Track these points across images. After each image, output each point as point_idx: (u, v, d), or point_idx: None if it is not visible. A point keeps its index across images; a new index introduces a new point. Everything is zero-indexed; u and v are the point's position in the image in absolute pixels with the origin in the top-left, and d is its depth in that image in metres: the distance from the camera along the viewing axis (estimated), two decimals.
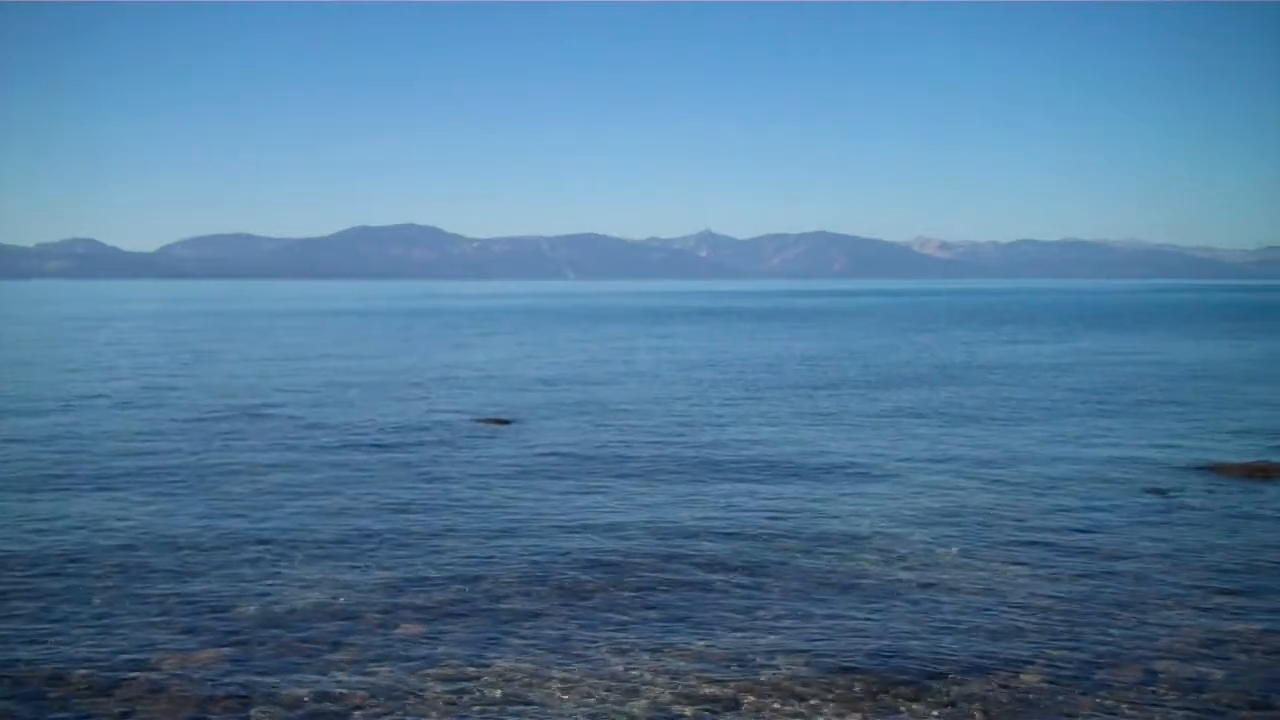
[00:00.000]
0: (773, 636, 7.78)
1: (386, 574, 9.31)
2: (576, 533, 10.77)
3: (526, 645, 7.56)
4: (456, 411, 19.64)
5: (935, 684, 6.91)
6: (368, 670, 7.10)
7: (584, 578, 9.23)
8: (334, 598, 8.61)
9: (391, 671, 7.08)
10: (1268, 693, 6.71)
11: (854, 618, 8.18)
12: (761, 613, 8.32)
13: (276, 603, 8.48)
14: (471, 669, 7.12)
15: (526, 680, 6.95)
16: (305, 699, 6.64)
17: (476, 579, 9.15)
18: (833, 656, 7.38)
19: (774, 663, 7.26)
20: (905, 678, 7.00)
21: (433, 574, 9.32)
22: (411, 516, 11.45)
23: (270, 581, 9.04)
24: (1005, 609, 8.38)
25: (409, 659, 7.30)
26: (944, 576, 9.27)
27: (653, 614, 8.31)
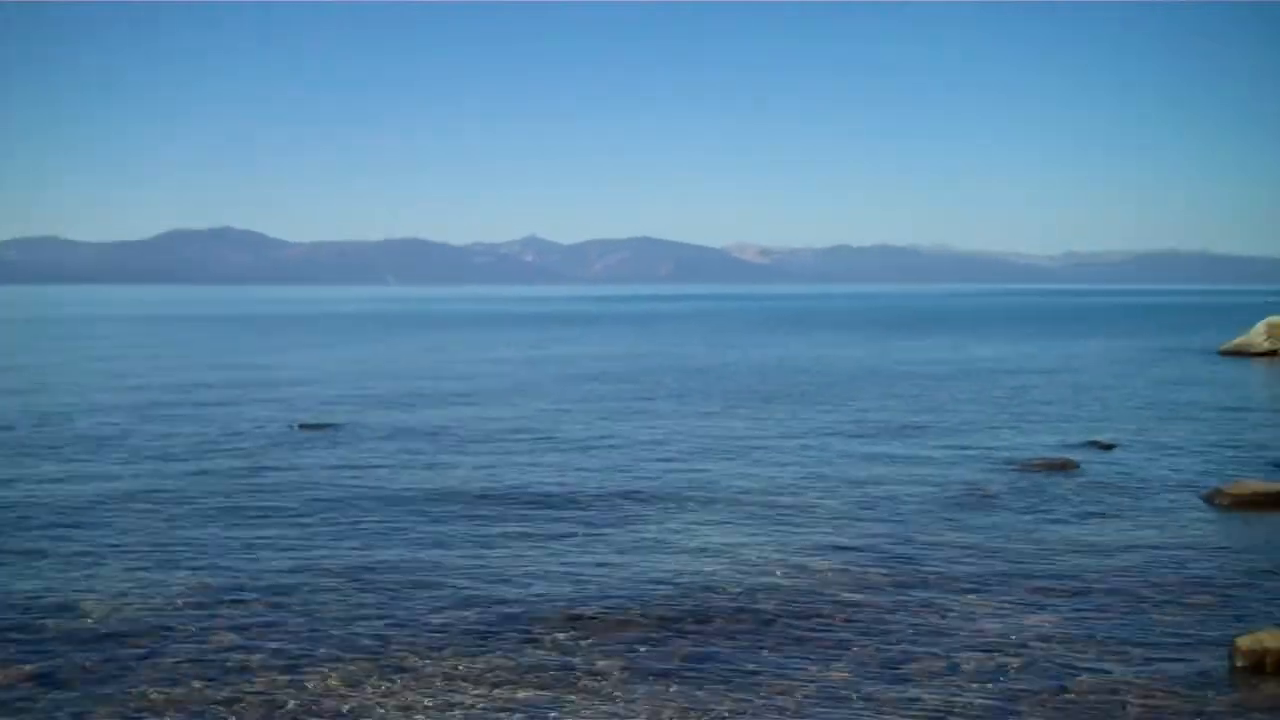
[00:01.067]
0: (593, 636, 7.87)
1: (201, 584, 9.11)
2: (394, 541, 10.69)
3: (342, 654, 7.50)
4: (274, 419, 19.25)
5: (749, 680, 7.11)
6: (180, 683, 6.96)
7: (403, 586, 9.18)
8: (145, 609, 8.39)
9: (205, 685, 6.97)
10: (1061, 680, 7.09)
11: (673, 619, 8.34)
12: (583, 614, 8.41)
13: (85, 616, 8.24)
14: (287, 679, 7.06)
15: (342, 691, 6.92)
16: (114, 715, 6.50)
17: (292, 589, 9.03)
18: (649, 657, 7.51)
19: (593, 667, 7.35)
20: (718, 674, 7.18)
21: (248, 584, 9.16)
22: (227, 524, 11.23)
23: (79, 594, 8.77)
24: (818, 607, 8.62)
25: (225, 670, 7.21)
26: (765, 579, 9.46)
27: (469, 616, 8.35)
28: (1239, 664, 7.18)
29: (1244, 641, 7.28)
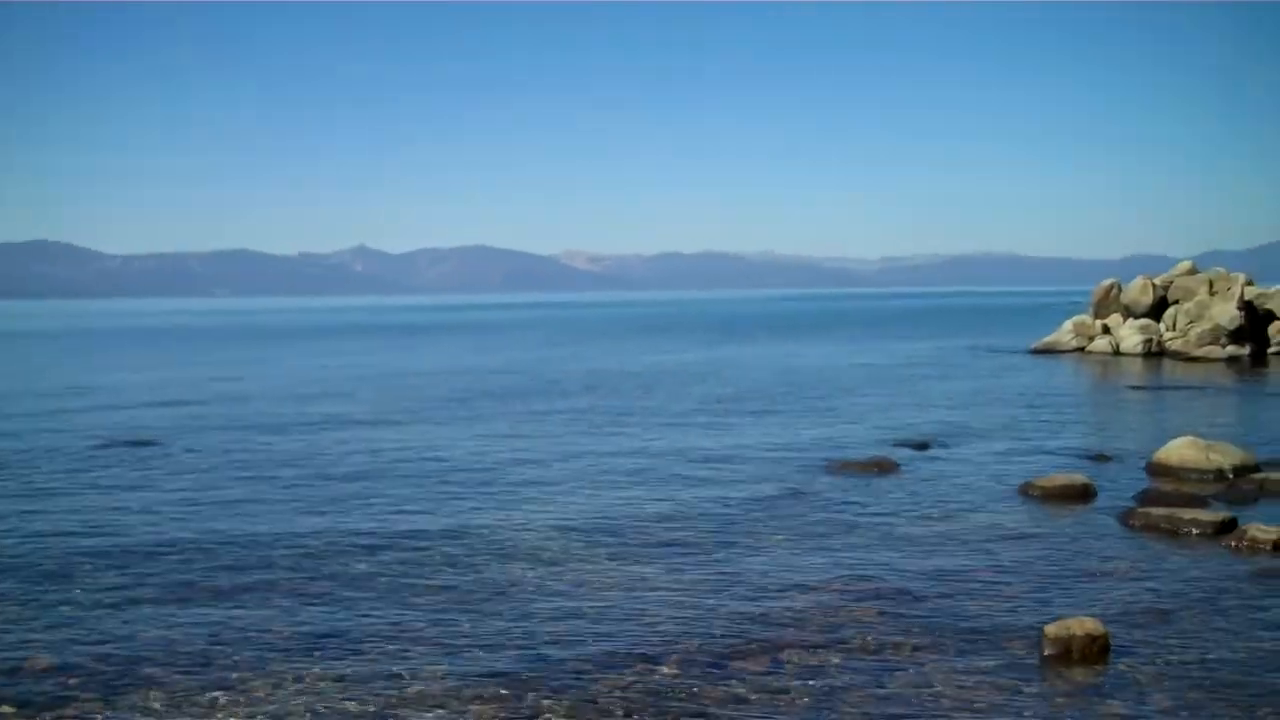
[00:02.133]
0: (420, 648, 7.73)
1: (15, 607, 8.68)
2: (223, 550, 10.32)
3: (165, 673, 7.20)
4: (93, 432, 18.44)
5: (576, 682, 7.06)
6: None
7: (229, 596, 8.90)
8: None
9: (20, 711, 6.60)
10: (880, 674, 7.21)
11: (500, 623, 8.24)
12: (408, 625, 8.26)
13: None
14: (103, 704, 6.74)
15: (164, 710, 6.64)
16: None
17: (116, 606, 8.66)
18: (479, 663, 7.39)
19: (421, 674, 7.20)
20: (548, 678, 7.10)
21: (65, 603, 8.75)
22: (41, 541, 10.69)
23: None
24: (645, 607, 8.63)
25: (40, 694, 6.85)
26: (589, 578, 9.46)
27: (300, 627, 8.12)
28: (1048, 651, 7.41)
29: (1052, 629, 7.52)
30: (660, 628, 8.12)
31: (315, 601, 8.92)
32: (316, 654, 7.65)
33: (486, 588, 9.26)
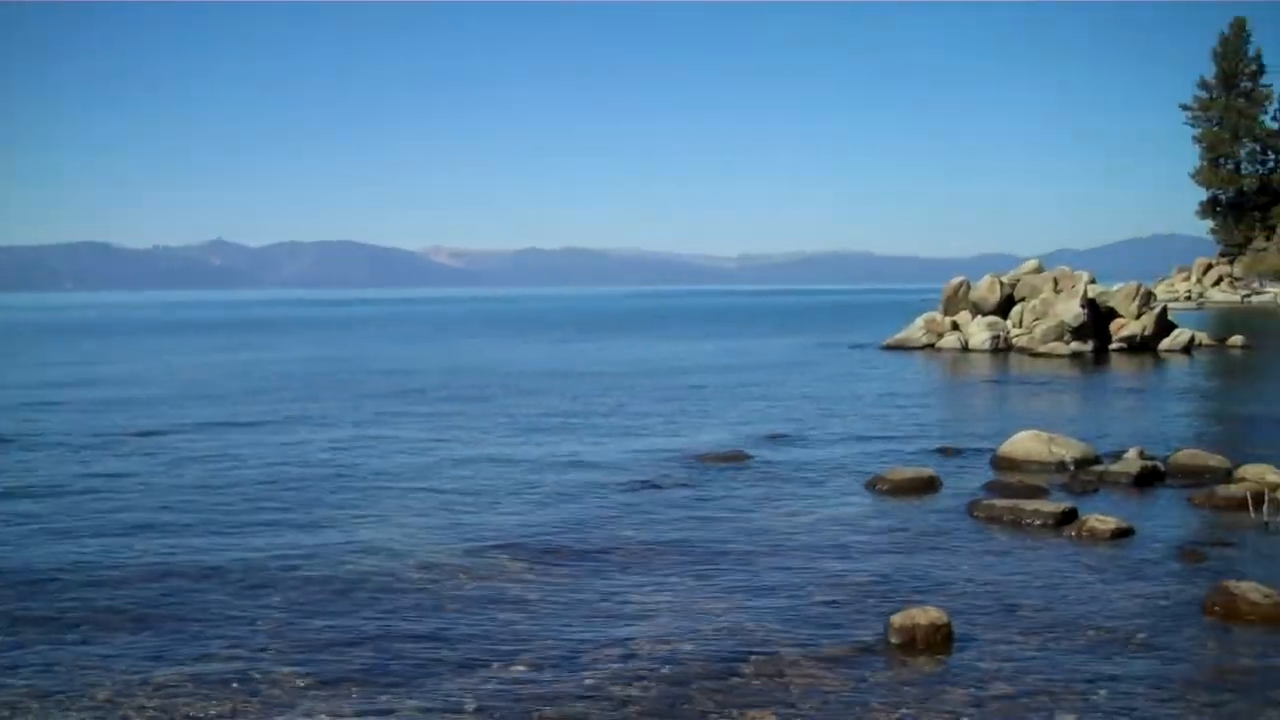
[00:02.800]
0: (273, 648, 7.56)
1: None
2: (60, 546, 9.99)
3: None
4: None
5: (429, 681, 6.98)
6: None
7: (64, 603, 8.61)
8: None
9: None
10: (730, 662, 7.28)
11: (355, 624, 8.11)
12: (260, 624, 8.08)
13: None
14: None
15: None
16: None
17: None
18: (332, 663, 7.27)
19: (272, 674, 7.05)
20: (401, 679, 7.01)
21: None
22: None
23: None
24: (500, 605, 8.58)
25: None
26: (447, 579, 9.37)
27: (143, 635, 7.87)
28: (893, 640, 7.55)
29: (897, 619, 7.67)
30: (515, 627, 8.07)
31: (156, 612, 8.67)
32: (161, 659, 7.44)
33: (337, 593, 9.08)
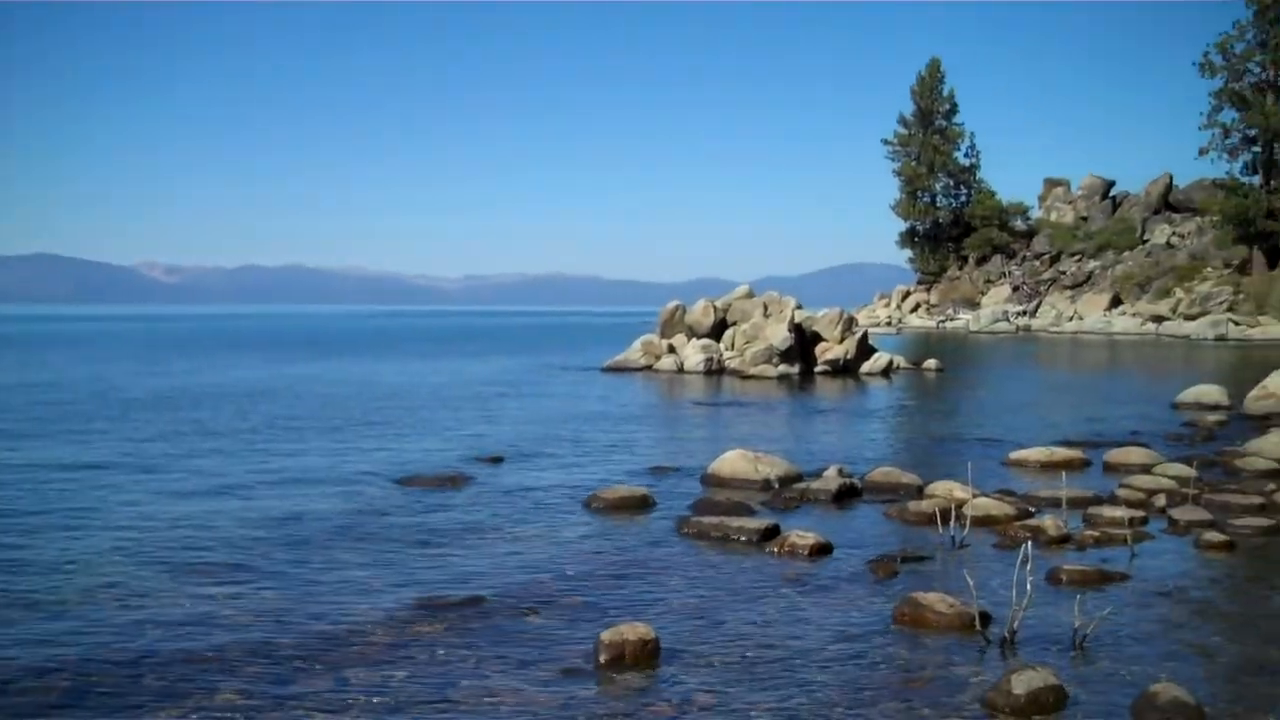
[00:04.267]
0: None
1: None
2: None
3: None
4: None
5: (127, 715, 6.72)
6: None
7: None
8: None
9: None
10: (443, 687, 7.29)
11: (48, 652, 7.69)
12: None
13: None
14: None
15: None
16: None
17: None
18: (34, 696, 6.93)
19: None
20: (100, 710, 6.74)
21: None
22: None
23: None
24: (208, 631, 8.34)
25: None
26: (150, 603, 9.04)
27: None
28: (603, 657, 7.72)
29: (606, 635, 7.85)
30: (226, 652, 7.85)
31: None
32: None
33: (31, 606, 8.60)
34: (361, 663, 7.73)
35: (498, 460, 16.99)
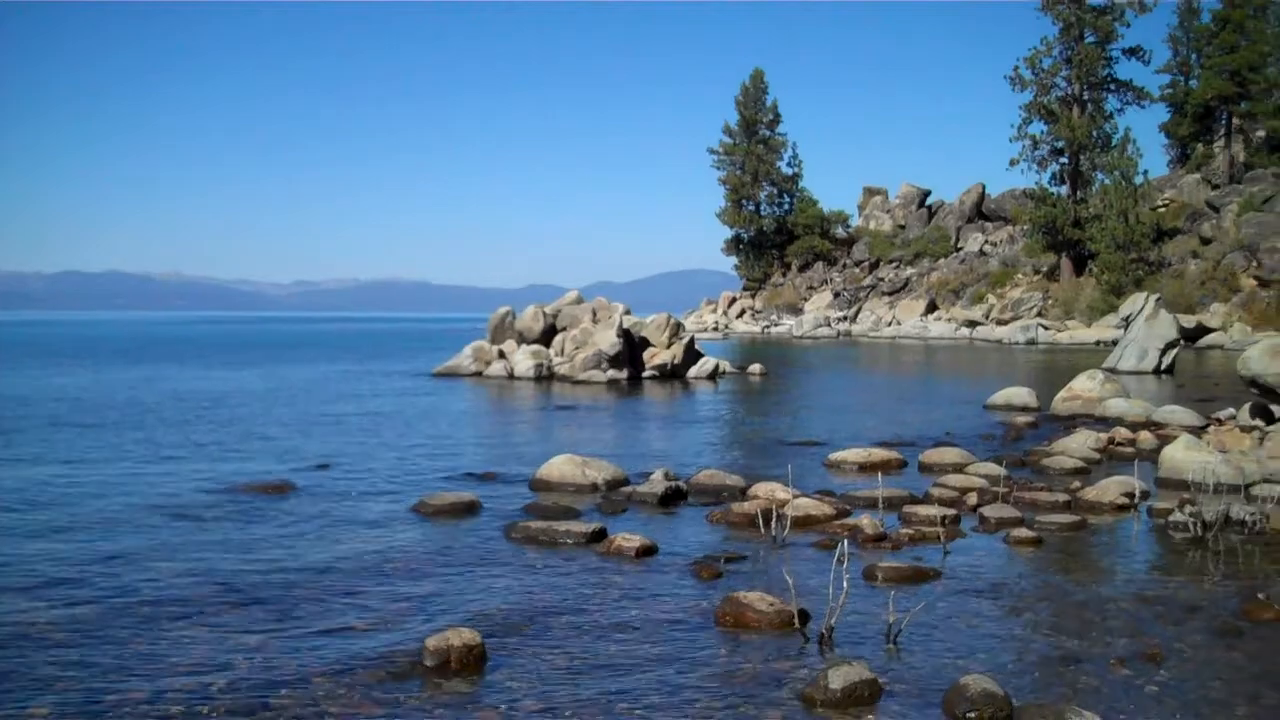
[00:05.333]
0: None
1: None
2: None
3: None
4: None
5: None
6: None
7: None
8: None
9: None
10: (265, 696, 7.21)
11: None
12: None
13: None
14: None
15: None
16: None
17: None
18: None
19: None
20: None
21: None
22: None
23: None
24: (17, 646, 8.09)
25: None
26: None
27: None
28: (429, 663, 7.74)
29: (432, 641, 7.87)
30: (36, 672, 7.65)
31: None
32: None
33: None
34: (180, 672, 7.59)
35: (324, 467, 16.77)
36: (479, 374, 36.98)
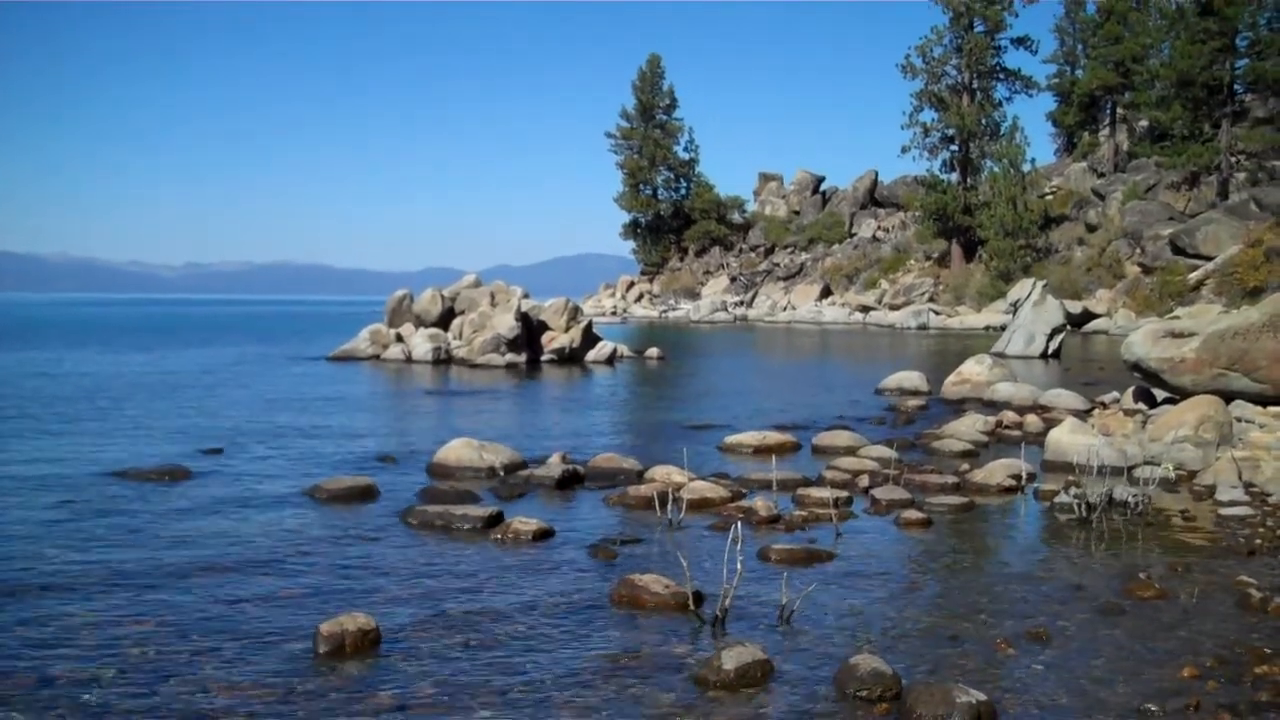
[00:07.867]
0: None
1: None
2: None
3: None
4: None
5: None
6: None
7: None
8: None
9: None
10: (153, 684, 7.14)
11: None
12: None
13: None
14: None
15: None
16: None
17: None
18: None
19: None
20: None
21: None
22: None
23: None
24: None
25: None
26: None
27: None
28: (322, 649, 7.72)
29: (326, 627, 7.84)
30: None
31: None
32: None
33: None
34: (66, 661, 7.48)
35: (217, 452, 16.53)
36: (376, 357, 36.65)
